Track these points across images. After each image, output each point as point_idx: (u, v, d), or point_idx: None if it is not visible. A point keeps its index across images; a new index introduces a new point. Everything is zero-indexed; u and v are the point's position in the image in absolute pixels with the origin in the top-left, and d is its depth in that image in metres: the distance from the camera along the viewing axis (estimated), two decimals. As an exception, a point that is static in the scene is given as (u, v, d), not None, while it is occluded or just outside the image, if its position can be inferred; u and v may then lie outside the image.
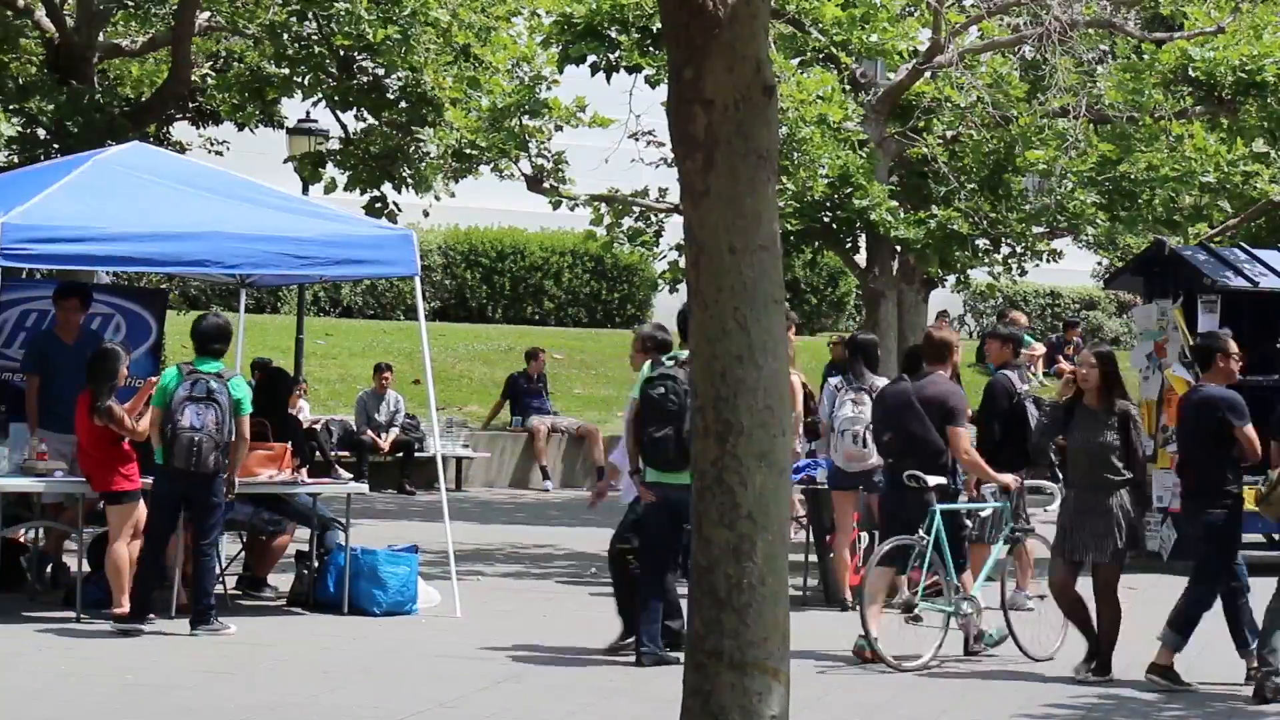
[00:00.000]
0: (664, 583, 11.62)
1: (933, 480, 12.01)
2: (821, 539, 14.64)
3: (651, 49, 17.80)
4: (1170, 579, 16.70)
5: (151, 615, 12.46)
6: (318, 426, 22.86)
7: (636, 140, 18.52)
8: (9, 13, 20.77)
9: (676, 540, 11.48)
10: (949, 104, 18.65)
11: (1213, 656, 12.58)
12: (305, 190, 22.24)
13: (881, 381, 14.28)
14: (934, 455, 12.20)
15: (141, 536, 12.60)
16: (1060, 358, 32.09)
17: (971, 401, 15.73)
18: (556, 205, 19.00)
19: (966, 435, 12.41)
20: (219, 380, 12.44)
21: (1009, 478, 12.57)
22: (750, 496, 6.74)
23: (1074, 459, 11.86)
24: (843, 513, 14.28)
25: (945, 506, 12.06)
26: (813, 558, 14.83)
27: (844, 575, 14.31)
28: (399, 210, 20.36)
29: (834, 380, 14.55)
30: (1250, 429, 11.88)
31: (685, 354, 11.33)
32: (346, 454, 23.27)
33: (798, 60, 18.94)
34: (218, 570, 12.97)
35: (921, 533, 11.85)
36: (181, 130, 25.17)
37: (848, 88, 18.55)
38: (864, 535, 14.59)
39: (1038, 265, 20.20)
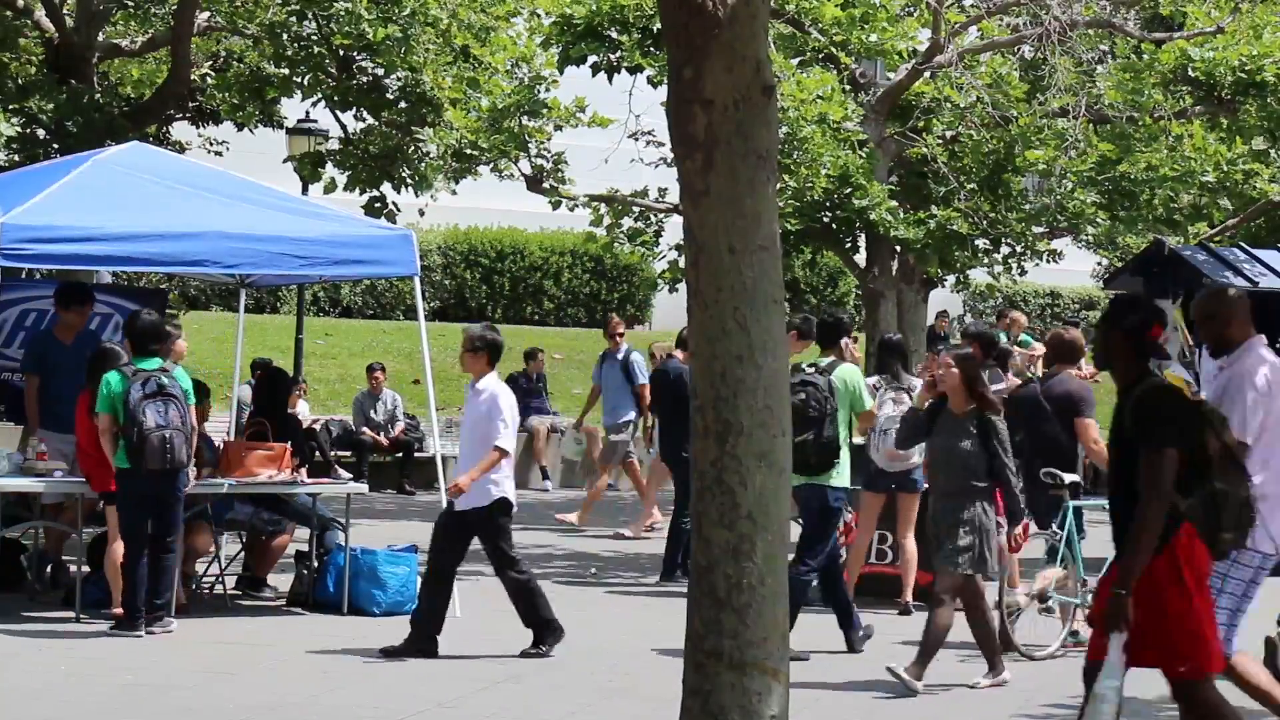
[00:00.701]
0: (807, 578, 12.26)
1: (1069, 478, 12.23)
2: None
3: (652, 49, 17.80)
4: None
5: (143, 620, 12.43)
6: (317, 426, 22.86)
7: (636, 140, 18.52)
8: (9, 13, 20.76)
9: (829, 539, 12.25)
10: (949, 104, 18.65)
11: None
12: (305, 190, 22.25)
13: (917, 381, 14.25)
14: (1063, 453, 12.52)
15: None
16: (1060, 358, 32.10)
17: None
18: (556, 205, 19.00)
19: (1094, 426, 12.52)
20: (166, 375, 12.36)
21: (1071, 476, 12.50)
22: (750, 496, 6.74)
23: (934, 465, 11.33)
24: (869, 514, 14.23)
25: (1079, 503, 12.34)
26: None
27: (855, 575, 14.24)
28: (398, 210, 20.36)
29: (872, 380, 14.51)
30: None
31: (826, 361, 12.29)
32: (346, 454, 23.25)
33: (797, 60, 18.94)
34: (173, 573, 12.70)
35: (1055, 528, 12.19)
36: (181, 130, 25.17)
37: (847, 88, 18.55)
38: (862, 536, 14.57)
39: (1037, 265, 20.20)
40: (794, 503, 13.54)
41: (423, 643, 11.77)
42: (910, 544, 14.16)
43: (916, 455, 13.80)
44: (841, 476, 12.11)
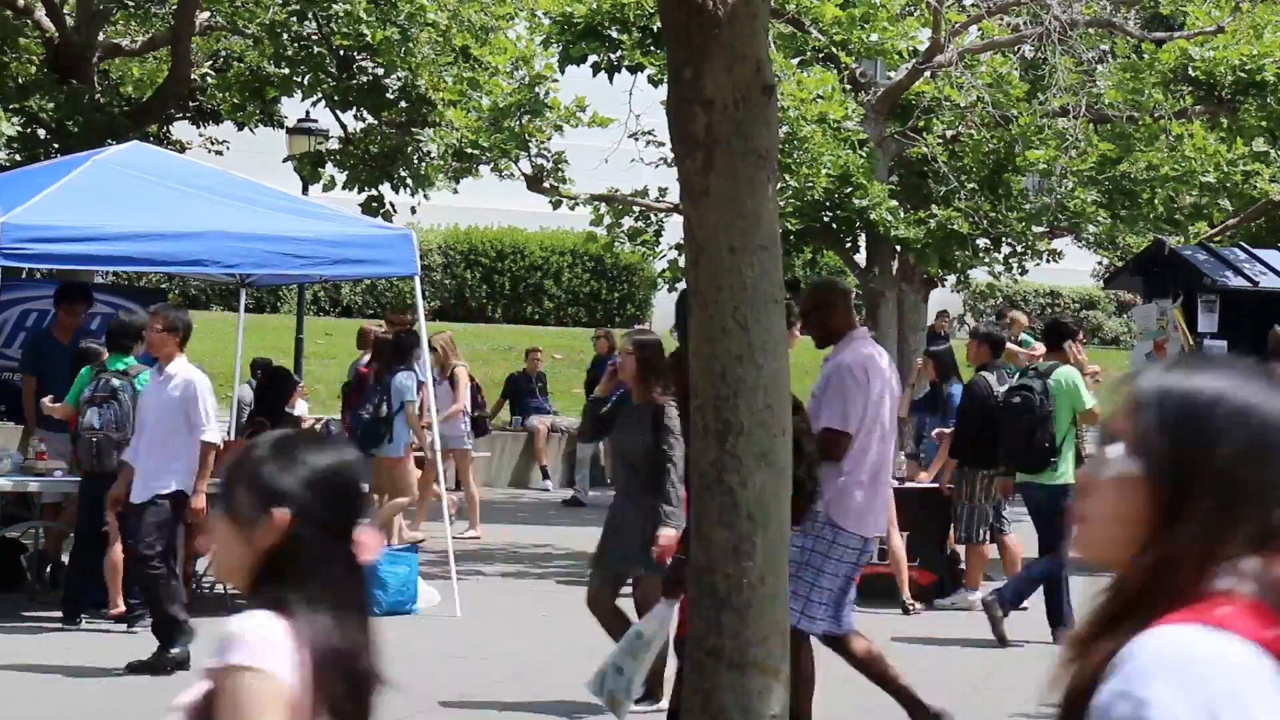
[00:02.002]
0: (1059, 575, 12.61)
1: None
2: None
3: (652, 48, 17.80)
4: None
5: (83, 615, 12.43)
6: (318, 426, 22.84)
7: (636, 140, 18.52)
8: (9, 12, 20.76)
9: (1058, 530, 12.53)
10: (949, 104, 18.65)
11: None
12: (305, 190, 22.24)
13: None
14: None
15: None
16: (1060, 357, 32.11)
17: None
18: (556, 205, 19.00)
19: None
20: (123, 377, 12.34)
21: None
22: (750, 496, 6.74)
23: (614, 460, 10.70)
24: None
25: None
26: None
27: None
28: (394, 210, 20.37)
29: None
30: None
31: (1046, 364, 12.88)
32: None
33: (798, 60, 18.94)
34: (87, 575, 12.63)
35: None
36: (181, 130, 25.18)
37: (848, 87, 18.55)
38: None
39: (1038, 265, 20.21)
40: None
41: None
42: (897, 542, 14.18)
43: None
44: (1059, 474, 12.56)
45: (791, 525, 8.07)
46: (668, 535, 9.53)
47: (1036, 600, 14.65)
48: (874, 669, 8.97)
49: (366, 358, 17.66)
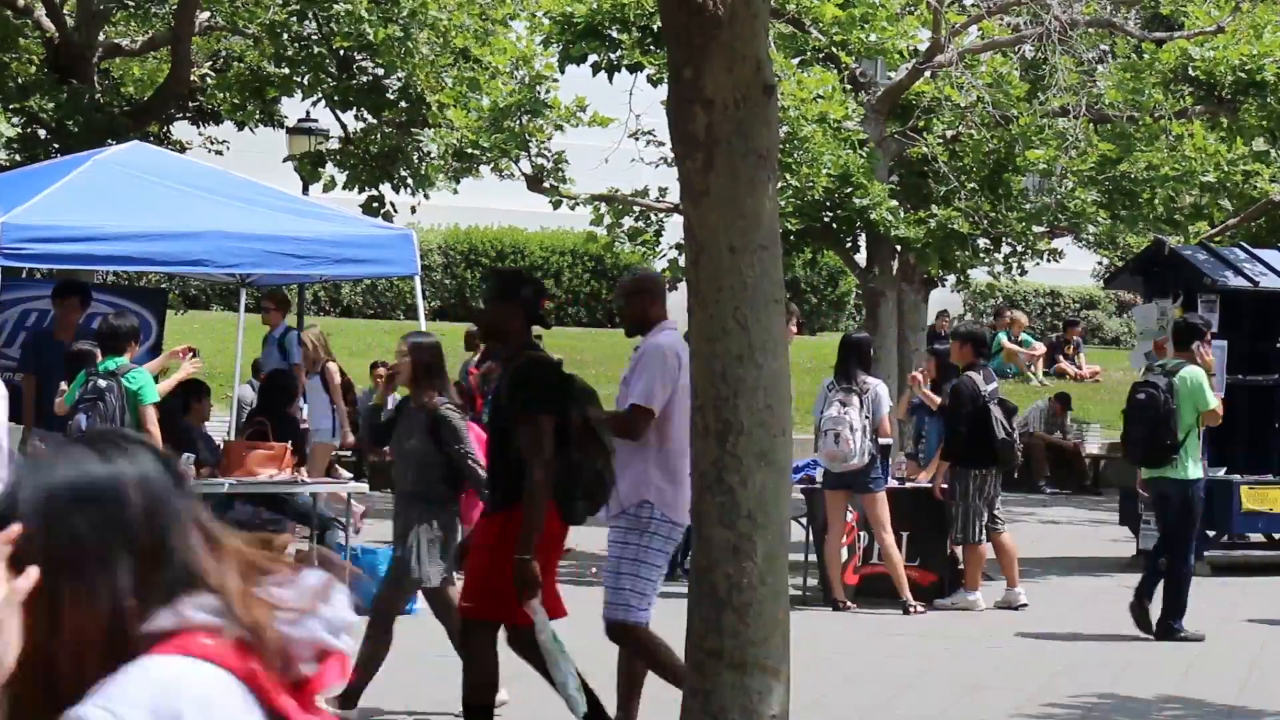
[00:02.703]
0: (1184, 569, 13.15)
1: None
2: (821, 538, 14.65)
3: (652, 48, 17.80)
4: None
5: None
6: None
7: (636, 140, 18.51)
8: (9, 12, 20.76)
9: (1191, 527, 13.20)
10: (949, 103, 18.65)
11: (1210, 656, 12.60)
12: (305, 190, 22.24)
13: (874, 381, 14.31)
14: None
15: None
16: (1060, 357, 32.13)
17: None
18: (557, 205, 19.00)
19: None
20: (110, 378, 12.36)
21: None
22: (750, 496, 6.74)
23: (395, 465, 10.37)
24: (834, 512, 14.28)
25: None
26: (813, 557, 14.83)
27: (836, 574, 14.30)
28: (395, 210, 20.37)
29: (827, 380, 14.57)
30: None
31: (1173, 362, 13.40)
32: (346, 454, 23.22)
33: (798, 60, 18.94)
34: None
35: None
36: (182, 130, 25.17)
37: (848, 87, 18.54)
38: (863, 535, 14.59)
39: (1038, 265, 20.21)
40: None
41: None
42: (888, 542, 14.20)
43: (859, 457, 13.88)
44: (1184, 469, 13.05)
45: (587, 516, 8.50)
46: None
47: (1037, 599, 14.66)
48: (657, 657, 9.00)
49: (475, 358, 18.20)
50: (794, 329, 14.98)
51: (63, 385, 13.21)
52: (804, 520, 14.76)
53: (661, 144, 17.71)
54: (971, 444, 14.38)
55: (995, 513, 14.61)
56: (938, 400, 15.23)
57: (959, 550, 14.91)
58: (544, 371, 8.45)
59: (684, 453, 8.62)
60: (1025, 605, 14.45)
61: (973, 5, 19.98)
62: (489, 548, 8.37)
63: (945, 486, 14.46)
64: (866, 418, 14.01)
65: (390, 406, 10.92)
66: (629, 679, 9.15)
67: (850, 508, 14.43)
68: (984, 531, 14.40)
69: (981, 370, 14.66)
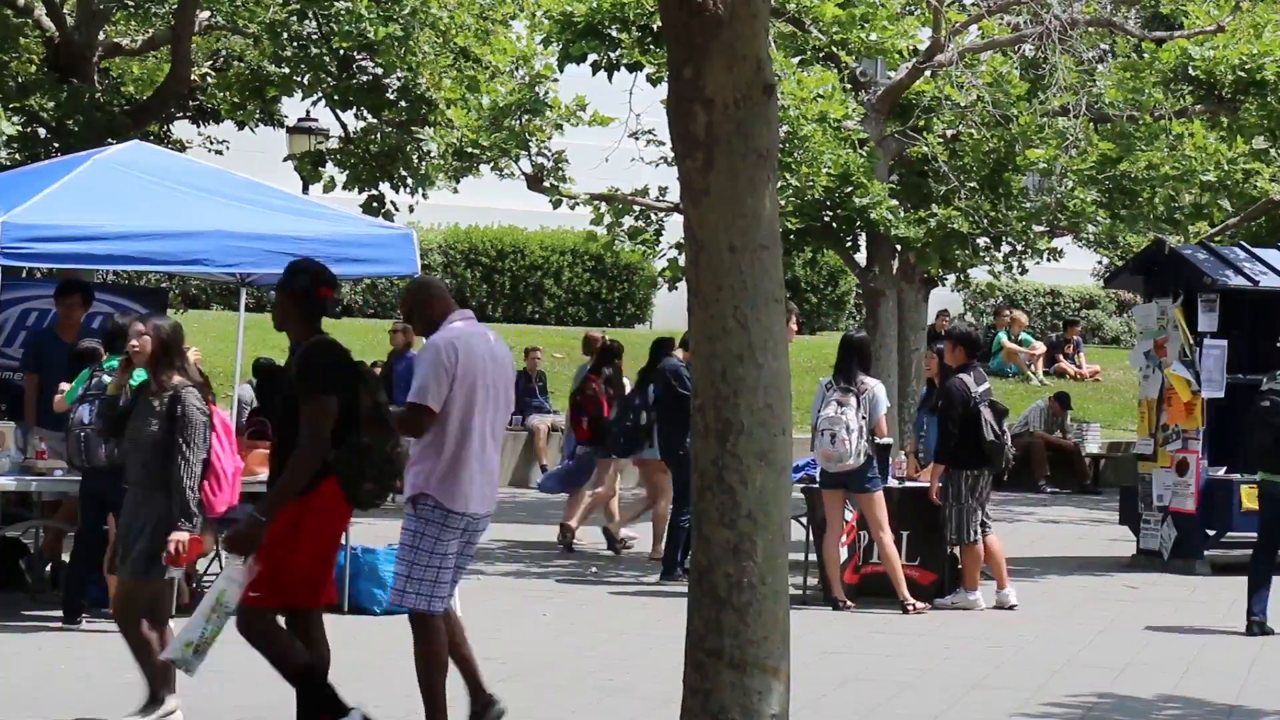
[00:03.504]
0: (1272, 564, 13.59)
1: None
2: (821, 538, 14.65)
3: (652, 47, 17.78)
4: (1170, 578, 16.74)
5: (83, 615, 12.45)
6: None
7: (637, 139, 18.49)
8: (9, 12, 20.76)
9: None
10: (949, 103, 18.63)
11: (1210, 656, 12.59)
12: (305, 190, 22.24)
13: (871, 381, 14.31)
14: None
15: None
16: (1060, 357, 32.11)
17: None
18: (557, 204, 18.98)
19: None
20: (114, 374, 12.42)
21: None
22: (750, 496, 6.74)
23: (127, 452, 9.85)
24: (832, 511, 14.28)
25: None
26: (813, 557, 14.83)
27: (835, 574, 14.30)
28: (395, 210, 20.36)
29: (825, 380, 14.57)
30: None
31: None
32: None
33: (798, 59, 18.91)
34: None
35: None
36: (182, 129, 25.17)
37: (848, 86, 18.53)
38: (863, 534, 14.60)
39: (1038, 264, 20.19)
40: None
41: None
42: (886, 542, 14.21)
43: (854, 457, 13.89)
44: None
45: (375, 501, 8.72)
46: (179, 539, 9.24)
47: (1037, 598, 14.65)
48: (457, 653, 9.15)
49: (591, 363, 18.78)
50: (794, 328, 14.98)
51: (63, 385, 13.21)
52: (804, 520, 14.77)
53: (661, 143, 17.69)
54: (963, 445, 14.41)
55: (987, 513, 14.61)
56: (936, 488, 15.14)
57: (956, 550, 14.91)
58: (330, 355, 8.67)
59: (464, 444, 8.83)
60: (1015, 606, 14.46)
61: (973, 4, 19.96)
62: (281, 536, 8.46)
63: (940, 486, 14.47)
64: (863, 418, 14.02)
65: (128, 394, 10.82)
66: (464, 664, 9.18)
67: (850, 507, 14.43)
68: (980, 531, 14.40)
69: (973, 372, 14.68)
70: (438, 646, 8.99)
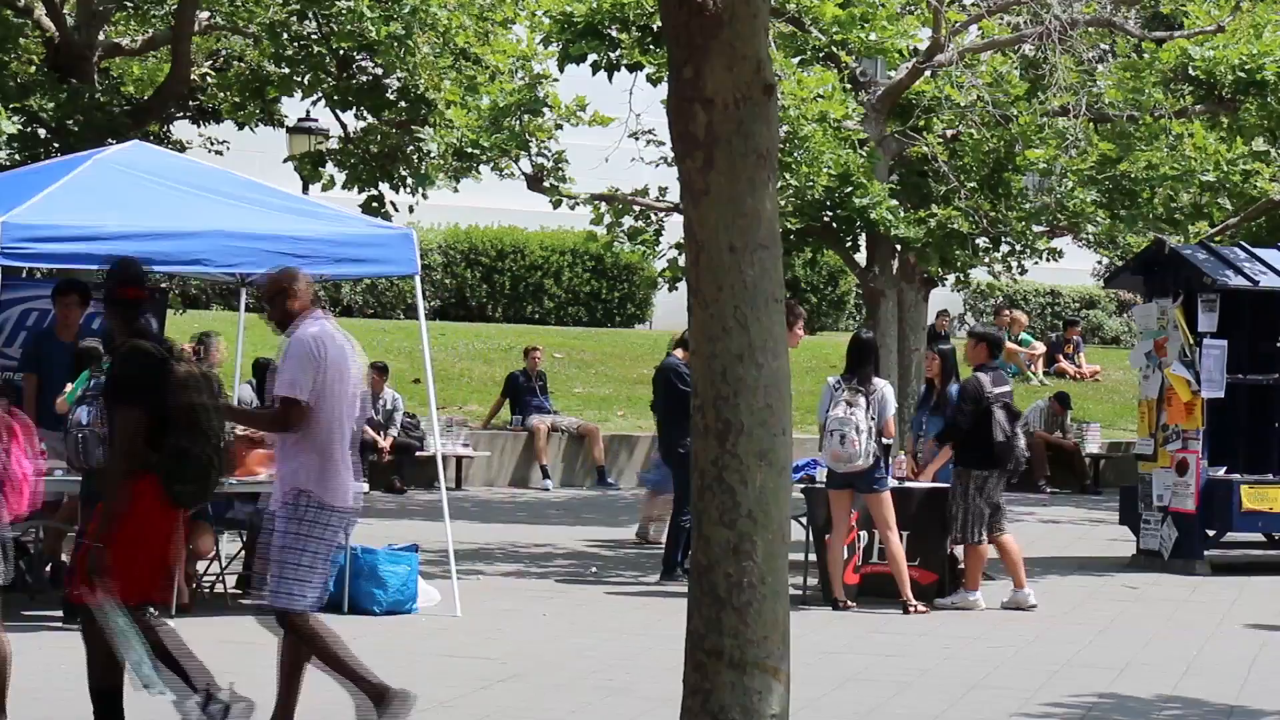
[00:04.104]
0: None
1: None
2: (821, 538, 14.65)
3: (652, 47, 17.79)
4: (1170, 578, 16.74)
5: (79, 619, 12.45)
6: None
7: (636, 139, 18.50)
8: (9, 12, 20.76)
9: None
10: (949, 103, 18.64)
11: (1210, 656, 12.59)
12: (305, 190, 22.24)
13: (880, 382, 14.30)
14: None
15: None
16: (1060, 357, 32.12)
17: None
18: (557, 204, 18.99)
19: None
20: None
21: None
22: (750, 495, 6.74)
23: None
24: (838, 511, 14.28)
25: None
26: (813, 557, 14.83)
27: (837, 574, 14.30)
28: (395, 210, 20.36)
29: (832, 379, 14.56)
30: None
31: None
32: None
33: (798, 59, 18.93)
34: None
35: None
36: (182, 129, 25.16)
37: (848, 86, 18.53)
38: (862, 534, 14.60)
39: (1037, 264, 20.20)
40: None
41: None
42: (893, 542, 14.20)
43: (864, 458, 13.90)
44: None
45: (196, 502, 8.81)
46: None
47: (1037, 598, 14.65)
48: (293, 655, 9.10)
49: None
50: (800, 333, 15.03)
51: (69, 385, 13.22)
52: (804, 520, 14.77)
53: (661, 143, 17.70)
54: (974, 445, 14.39)
55: (1001, 514, 14.60)
56: (935, 468, 15.17)
57: (958, 550, 14.91)
58: (137, 364, 8.67)
59: (336, 439, 8.88)
60: (1035, 606, 14.44)
61: (973, 4, 19.97)
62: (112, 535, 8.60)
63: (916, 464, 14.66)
64: (872, 419, 14.00)
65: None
66: (290, 666, 9.16)
67: (851, 507, 14.43)
68: (984, 532, 14.40)
69: (991, 372, 14.64)
70: (322, 633, 9.05)
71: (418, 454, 23.74)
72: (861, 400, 13.98)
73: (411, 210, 20.62)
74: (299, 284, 9.25)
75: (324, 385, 8.90)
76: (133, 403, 8.53)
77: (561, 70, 18.33)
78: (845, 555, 14.48)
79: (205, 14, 21.00)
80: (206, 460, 8.61)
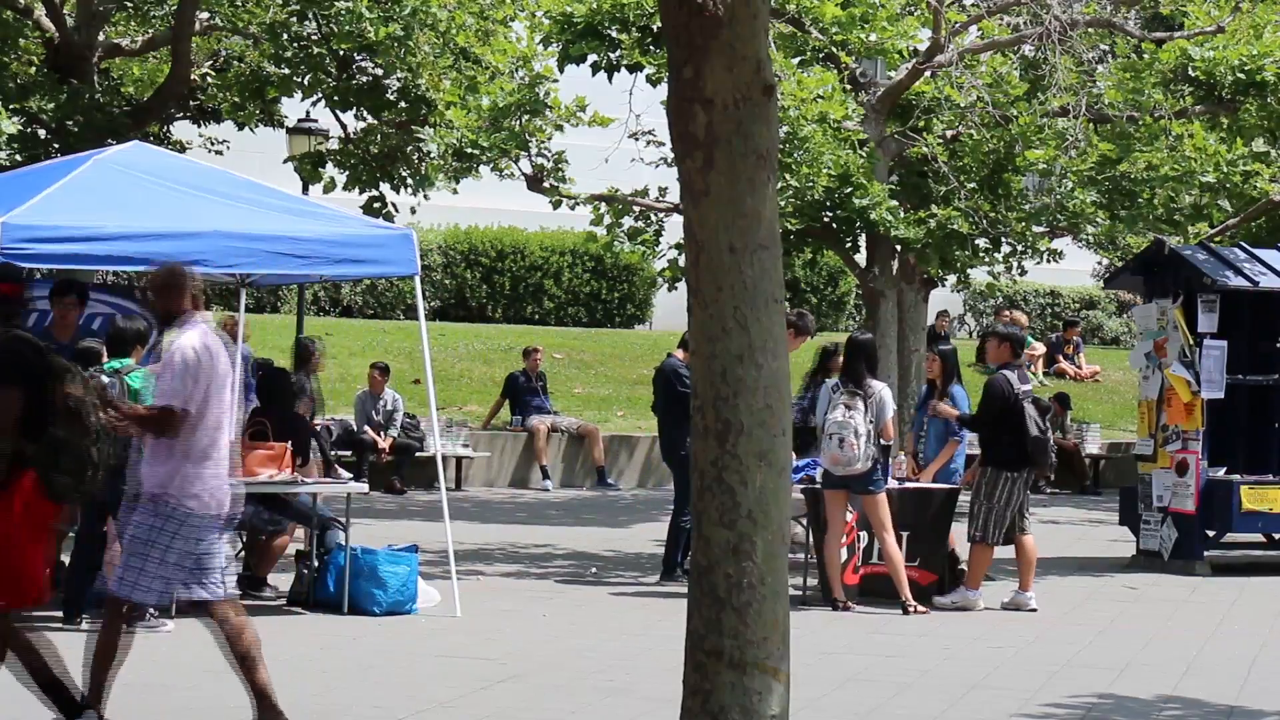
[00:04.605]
0: None
1: None
2: (821, 538, 14.65)
3: (652, 47, 17.80)
4: (1170, 579, 16.74)
5: (83, 615, 12.47)
6: (318, 426, 22.81)
7: (636, 140, 18.51)
8: (9, 12, 20.77)
9: None
10: (949, 103, 18.64)
11: (1210, 656, 12.60)
12: (305, 190, 22.25)
13: (878, 385, 14.28)
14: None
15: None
16: (1060, 357, 32.12)
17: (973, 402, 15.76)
18: (557, 205, 18.99)
19: None
20: (114, 376, 12.39)
21: None
22: (750, 496, 6.74)
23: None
24: (834, 511, 14.28)
25: None
26: (813, 557, 14.83)
27: (835, 574, 14.30)
28: (396, 210, 20.36)
29: (830, 381, 14.55)
30: None
31: None
32: (346, 454, 23.23)
33: (798, 59, 18.94)
34: None
35: None
36: (182, 129, 25.19)
37: (848, 87, 18.54)
38: (862, 535, 14.60)
39: (1038, 265, 20.21)
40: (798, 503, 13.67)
41: None
42: (889, 543, 14.19)
43: (862, 462, 13.89)
44: None
45: (73, 494, 8.74)
46: None
47: (1037, 599, 14.65)
48: (237, 646, 9.12)
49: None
50: (809, 337, 15.09)
51: None
52: (804, 520, 14.78)
53: (661, 144, 17.70)
54: (1006, 445, 14.30)
55: (1026, 514, 14.57)
56: (955, 413, 15.15)
57: (959, 550, 14.91)
58: (11, 351, 8.81)
59: (213, 445, 8.94)
60: (1035, 610, 14.43)
61: (973, 5, 19.97)
62: None
63: (975, 481, 14.62)
64: (871, 421, 13.99)
65: None
66: (240, 657, 9.17)
67: (850, 508, 14.43)
68: (1001, 535, 14.35)
69: (1016, 370, 14.62)
70: (117, 634, 9.18)
71: (418, 454, 23.74)
72: (860, 403, 13.96)
73: (414, 211, 20.63)
74: (191, 283, 9.31)
75: (206, 395, 8.96)
76: (7, 383, 8.57)
77: (561, 70, 18.34)
78: (845, 556, 14.48)
79: (205, 14, 21.01)
80: (84, 453, 8.64)
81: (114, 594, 9.22)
